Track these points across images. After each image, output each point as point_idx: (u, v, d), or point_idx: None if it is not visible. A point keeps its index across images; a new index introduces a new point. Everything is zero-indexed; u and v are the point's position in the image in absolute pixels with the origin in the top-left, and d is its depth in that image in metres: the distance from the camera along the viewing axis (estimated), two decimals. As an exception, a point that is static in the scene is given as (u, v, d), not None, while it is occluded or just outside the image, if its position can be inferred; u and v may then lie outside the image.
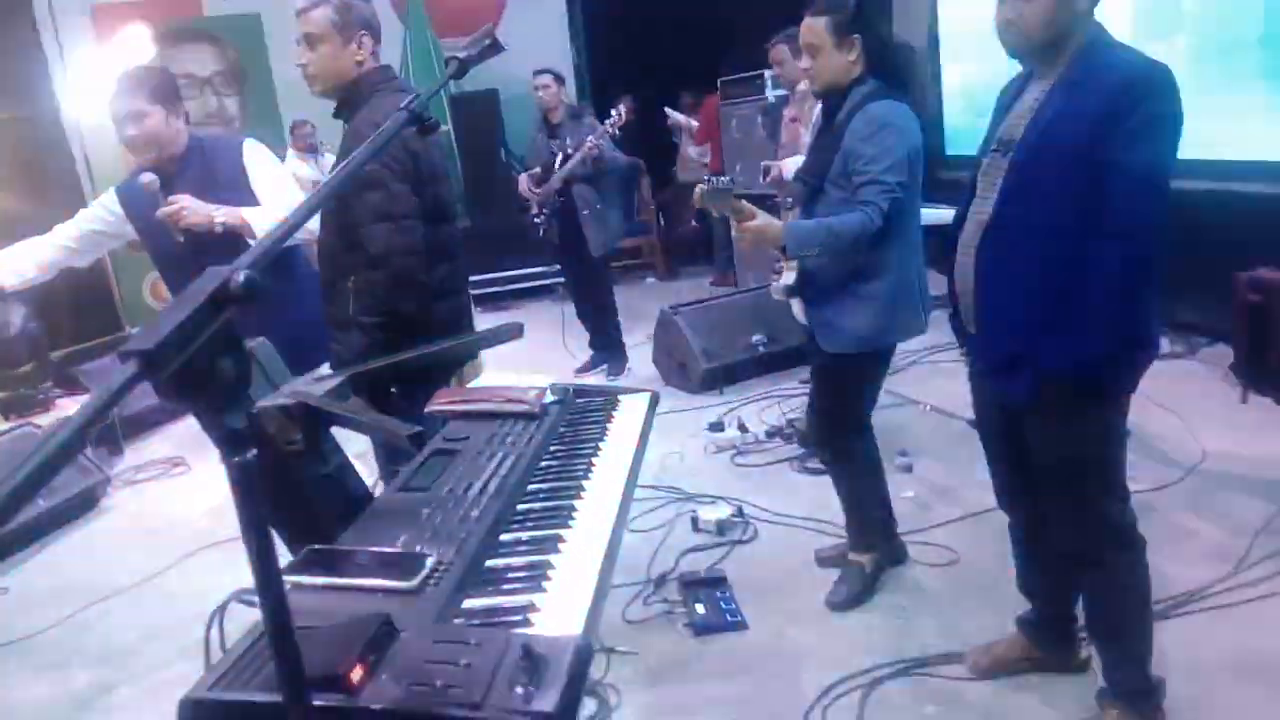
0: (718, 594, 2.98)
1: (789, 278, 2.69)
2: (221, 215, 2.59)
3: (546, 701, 0.86)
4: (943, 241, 2.17)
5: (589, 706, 2.50)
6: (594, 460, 1.47)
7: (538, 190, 5.47)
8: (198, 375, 0.69)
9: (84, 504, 4.35)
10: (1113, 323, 1.77)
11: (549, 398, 1.72)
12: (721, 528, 3.43)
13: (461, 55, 1.21)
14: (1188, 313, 4.54)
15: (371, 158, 1.02)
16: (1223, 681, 2.30)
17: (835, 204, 2.53)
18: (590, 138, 5.14)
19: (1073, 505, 1.99)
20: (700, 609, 2.90)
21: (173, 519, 4.23)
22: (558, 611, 1.02)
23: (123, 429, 5.12)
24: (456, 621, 1.02)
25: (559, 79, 5.50)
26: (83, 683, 2.95)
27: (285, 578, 1.07)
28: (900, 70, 2.54)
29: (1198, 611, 2.60)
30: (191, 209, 2.57)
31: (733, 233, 2.56)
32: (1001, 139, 1.94)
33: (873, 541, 2.94)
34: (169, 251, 2.72)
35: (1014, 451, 2.11)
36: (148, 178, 2.64)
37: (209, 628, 1.06)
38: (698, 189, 2.48)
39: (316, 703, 0.83)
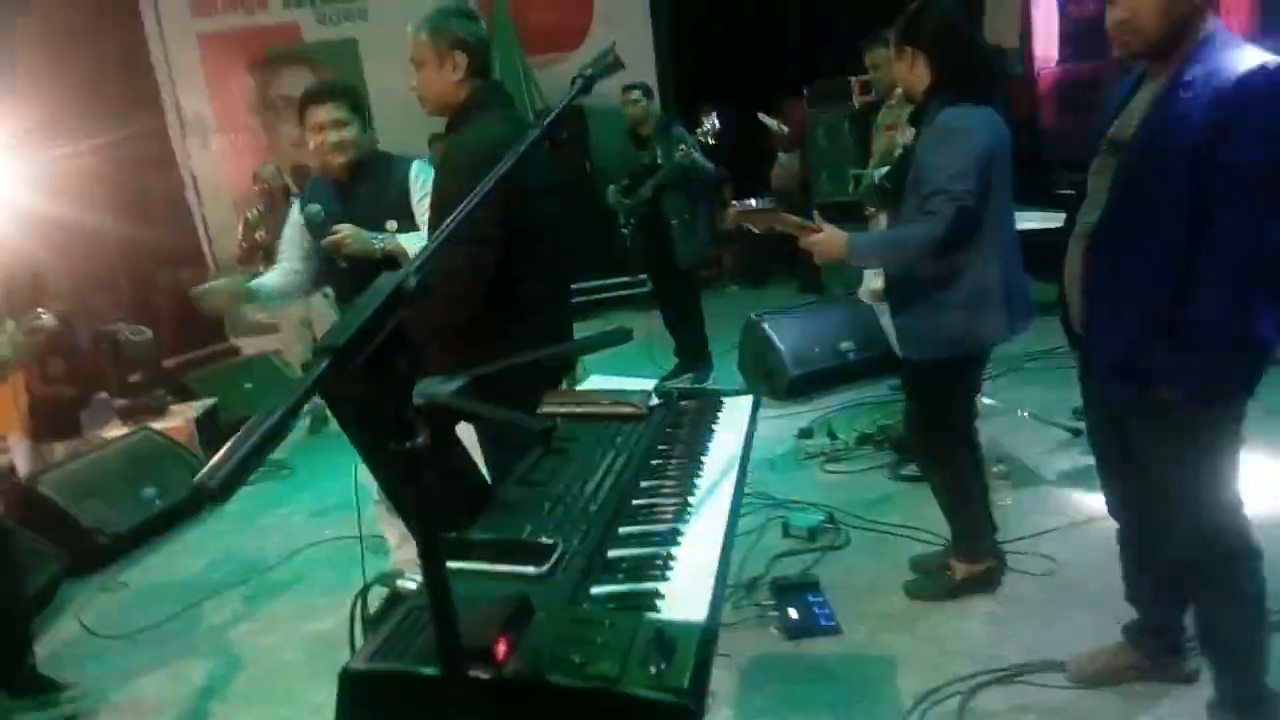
0: (810, 598, 3.00)
1: (877, 281, 2.70)
2: (380, 244, 2.76)
3: (679, 679, 0.91)
4: (1050, 245, 2.16)
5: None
6: (703, 458, 1.52)
7: (627, 200, 5.57)
8: (378, 370, 0.77)
9: (196, 504, 4.57)
10: (1223, 328, 1.75)
11: (654, 400, 1.78)
12: (813, 534, 3.44)
13: (588, 73, 1.28)
14: None
15: (503, 178, 1.09)
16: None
17: (910, 212, 2.54)
18: (682, 146, 5.22)
19: (1185, 515, 1.96)
20: (793, 612, 2.92)
21: (279, 519, 4.44)
22: (682, 598, 1.08)
23: (230, 434, 5.37)
24: (587, 606, 1.08)
25: (648, 93, 5.61)
26: (202, 673, 3.12)
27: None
28: (980, 75, 2.51)
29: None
30: (353, 238, 2.74)
31: (800, 244, 2.58)
32: (1112, 140, 1.93)
33: (975, 551, 2.91)
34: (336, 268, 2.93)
35: (1124, 456, 2.08)
36: (313, 208, 2.84)
37: (353, 608, 1.14)
38: (730, 211, 2.51)
39: (471, 674, 0.90)
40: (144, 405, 5.14)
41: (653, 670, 0.92)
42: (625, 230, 5.68)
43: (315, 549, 3.99)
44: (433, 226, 2.50)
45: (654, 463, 1.53)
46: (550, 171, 2.64)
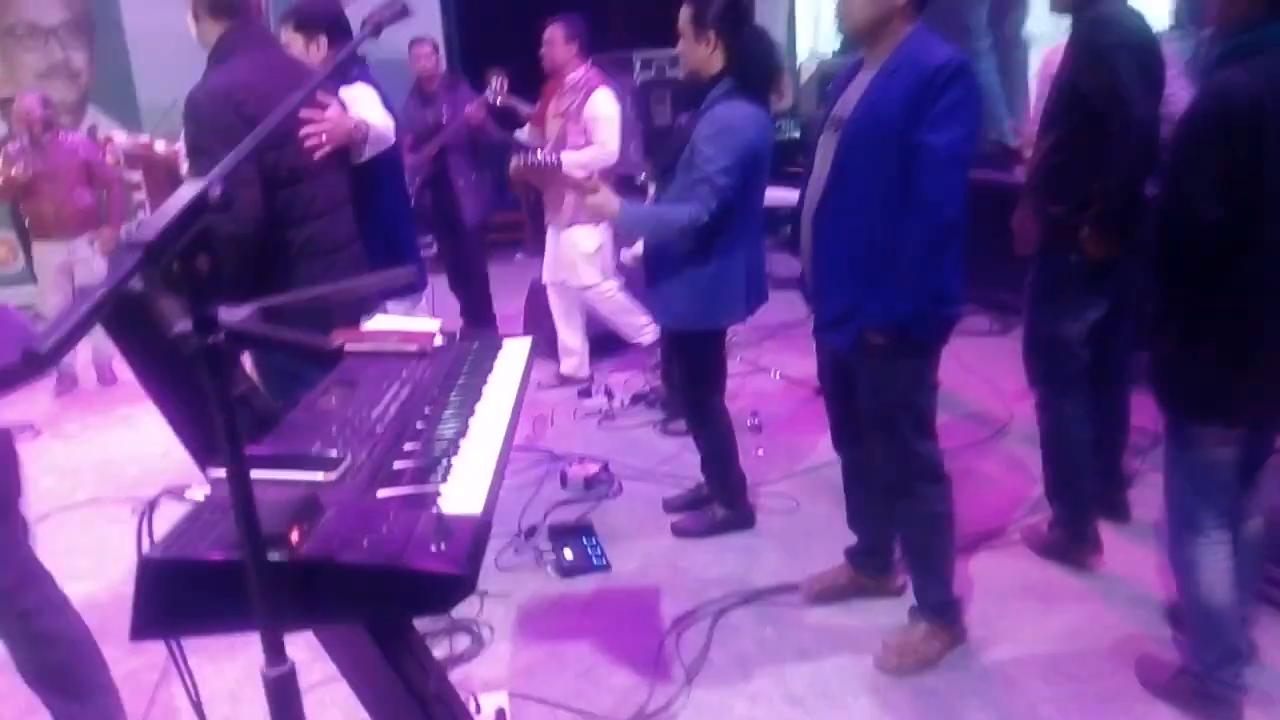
0: (584, 540, 3.21)
1: (638, 248, 2.93)
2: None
3: (458, 553, 1.05)
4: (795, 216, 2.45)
5: (464, 641, 2.69)
6: (483, 389, 1.66)
7: (411, 157, 5.51)
8: (184, 266, 0.85)
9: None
10: (918, 283, 2.09)
11: (439, 340, 1.89)
12: (588, 483, 3.66)
13: (376, 19, 1.35)
14: (1005, 293, 5.06)
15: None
16: (1012, 601, 2.71)
17: (678, 189, 2.77)
18: (470, 106, 5.24)
19: (890, 442, 2.33)
20: (568, 554, 3.12)
21: (46, 476, 4.13)
22: (461, 497, 1.21)
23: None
24: (374, 505, 1.20)
25: (436, 48, 5.57)
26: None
27: (213, 474, 1.23)
28: (763, 71, 2.77)
29: (994, 547, 3.02)
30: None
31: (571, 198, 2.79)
32: (834, 118, 2.23)
33: (731, 496, 3.24)
34: None
35: (845, 397, 2.43)
36: None
37: (140, 521, 1.19)
38: (515, 162, 2.67)
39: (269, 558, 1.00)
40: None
41: (434, 548, 1.06)
42: (410, 189, 5.62)
43: (65, 514, 3.75)
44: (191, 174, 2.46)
45: (438, 392, 1.65)
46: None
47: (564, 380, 4.78)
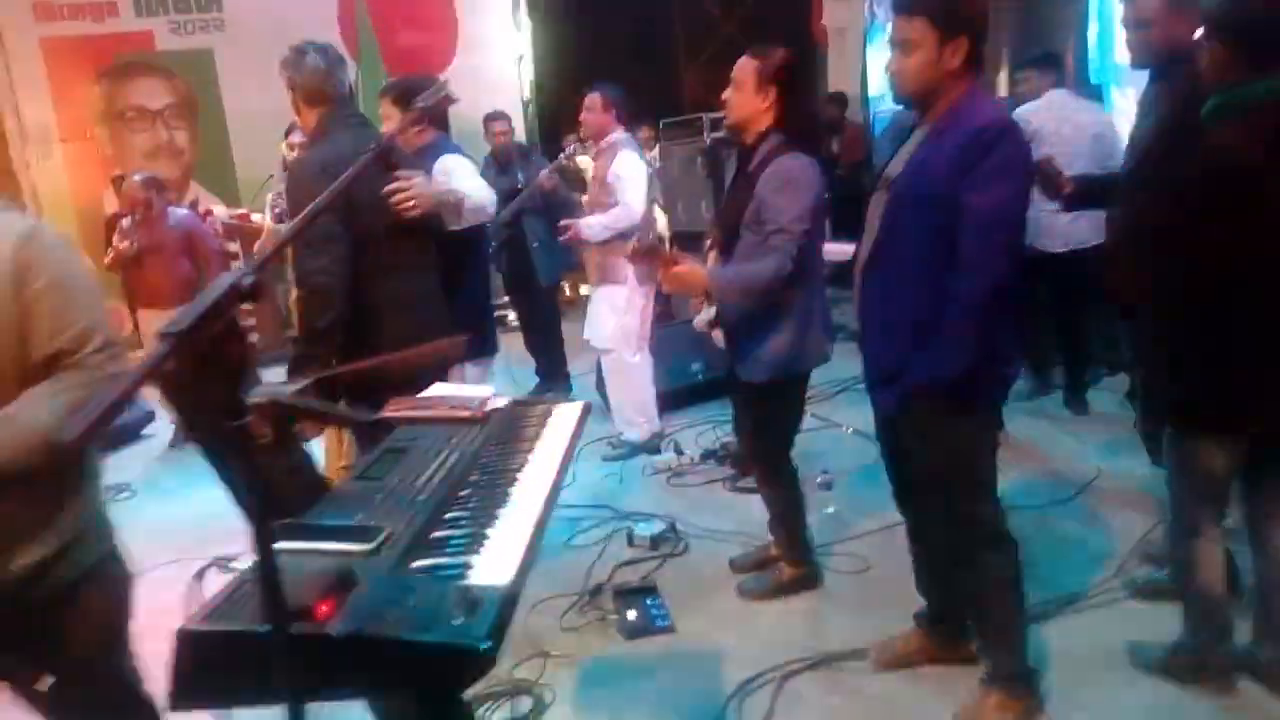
0: (648, 601, 3.19)
1: (709, 312, 2.96)
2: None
3: (480, 627, 1.07)
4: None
5: (525, 703, 2.69)
6: (529, 455, 1.68)
7: (489, 223, 5.69)
8: (215, 355, 0.90)
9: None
10: (968, 343, 2.05)
11: (491, 405, 1.93)
12: (655, 542, 3.65)
13: (419, 104, 1.43)
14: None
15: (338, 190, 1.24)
16: (1093, 670, 2.58)
17: (748, 247, 2.80)
18: (544, 172, 5.41)
19: (946, 507, 2.26)
20: (631, 615, 3.10)
21: (141, 538, 4.31)
22: (491, 568, 1.23)
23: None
24: (406, 577, 1.22)
25: (510, 124, 5.83)
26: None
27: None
28: (811, 125, 2.82)
29: (1079, 611, 2.88)
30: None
31: (659, 276, 2.85)
32: (885, 177, 2.22)
33: (797, 557, 3.18)
34: None
35: (900, 457, 2.38)
36: None
37: (189, 590, 1.24)
38: (631, 247, 2.77)
39: (293, 630, 1.03)
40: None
41: (457, 622, 1.08)
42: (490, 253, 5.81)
43: (158, 570, 3.91)
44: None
45: (484, 460, 1.68)
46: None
47: (629, 449, 4.71)
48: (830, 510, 3.79)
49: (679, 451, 4.54)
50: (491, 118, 5.68)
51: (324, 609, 1.08)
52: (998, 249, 2.03)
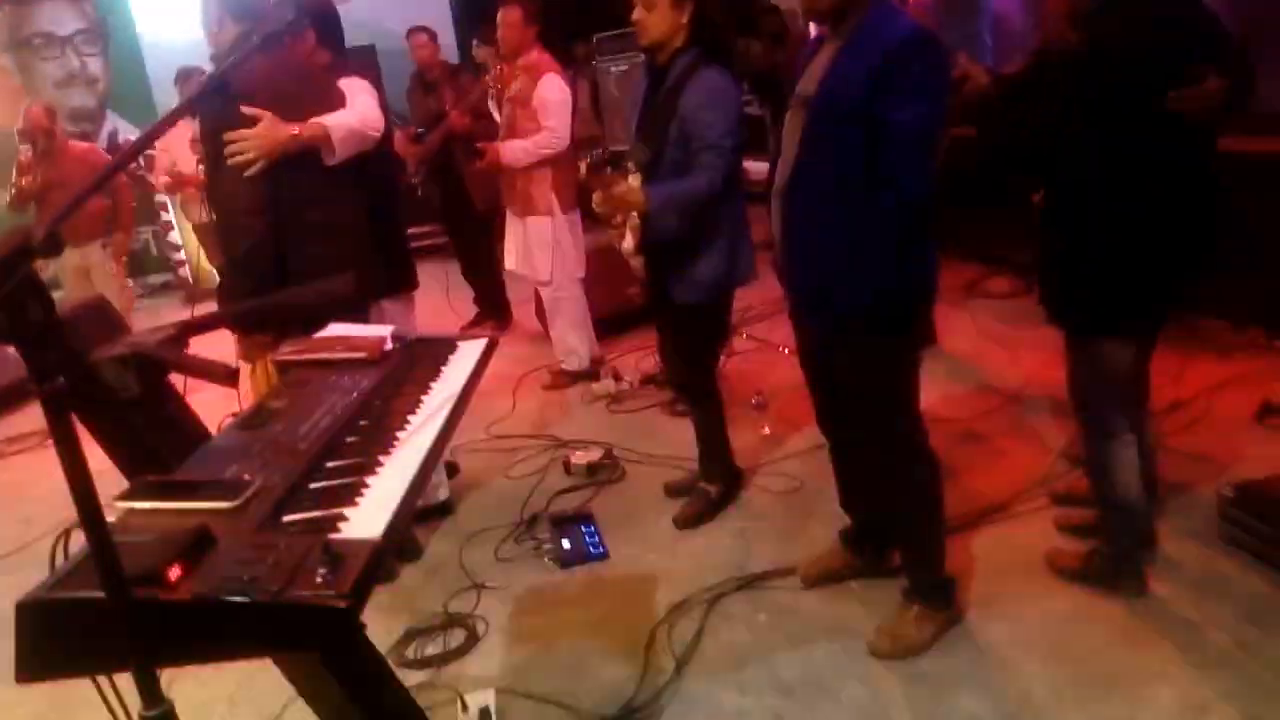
0: (584, 529, 3.20)
1: (631, 238, 2.88)
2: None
3: (341, 585, 1.03)
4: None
5: (458, 636, 2.70)
6: (422, 397, 1.64)
7: (415, 148, 5.50)
8: (12, 315, 0.83)
9: None
10: (891, 260, 2.02)
11: (389, 345, 1.87)
12: (592, 470, 3.64)
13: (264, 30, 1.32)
14: (1025, 253, 4.91)
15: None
16: (1013, 579, 2.64)
17: (673, 166, 2.73)
18: (454, 110, 5.22)
19: (871, 425, 2.26)
20: (566, 544, 3.10)
21: (48, 490, 4.21)
22: (364, 521, 1.19)
23: (-7, 401, 5.02)
24: (273, 537, 1.18)
25: (434, 36, 5.54)
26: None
27: (119, 504, 1.22)
28: (728, 40, 2.73)
29: (1001, 521, 2.94)
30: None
31: (593, 198, 2.78)
32: (799, 95, 2.15)
33: (719, 471, 3.20)
34: None
35: (825, 378, 2.36)
36: None
37: (53, 550, 1.19)
38: (583, 168, 2.69)
39: (139, 597, 0.98)
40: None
41: (318, 579, 1.04)
42: (415, 180, 5.63)
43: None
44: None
45: (375, 403, 1.63)
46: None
47: (570, 378, 4.67)
48: (765, 431, 3.80)
49: (617, 378, 4.51)
50: (413, 31, 5.44)
51: (174, 573, 1.03)
52: (919, 165, 1.98)
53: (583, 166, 2.73)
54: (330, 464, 1.37)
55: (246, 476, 1.29)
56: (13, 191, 5.24)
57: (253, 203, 2.48)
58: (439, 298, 5.91)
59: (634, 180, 2.86)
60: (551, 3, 4.34)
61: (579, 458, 3.70)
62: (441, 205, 5.71)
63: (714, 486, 3.20)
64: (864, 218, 2.02)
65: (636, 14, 2.72)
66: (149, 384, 1.39)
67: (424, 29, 5.49)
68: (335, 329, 1.98)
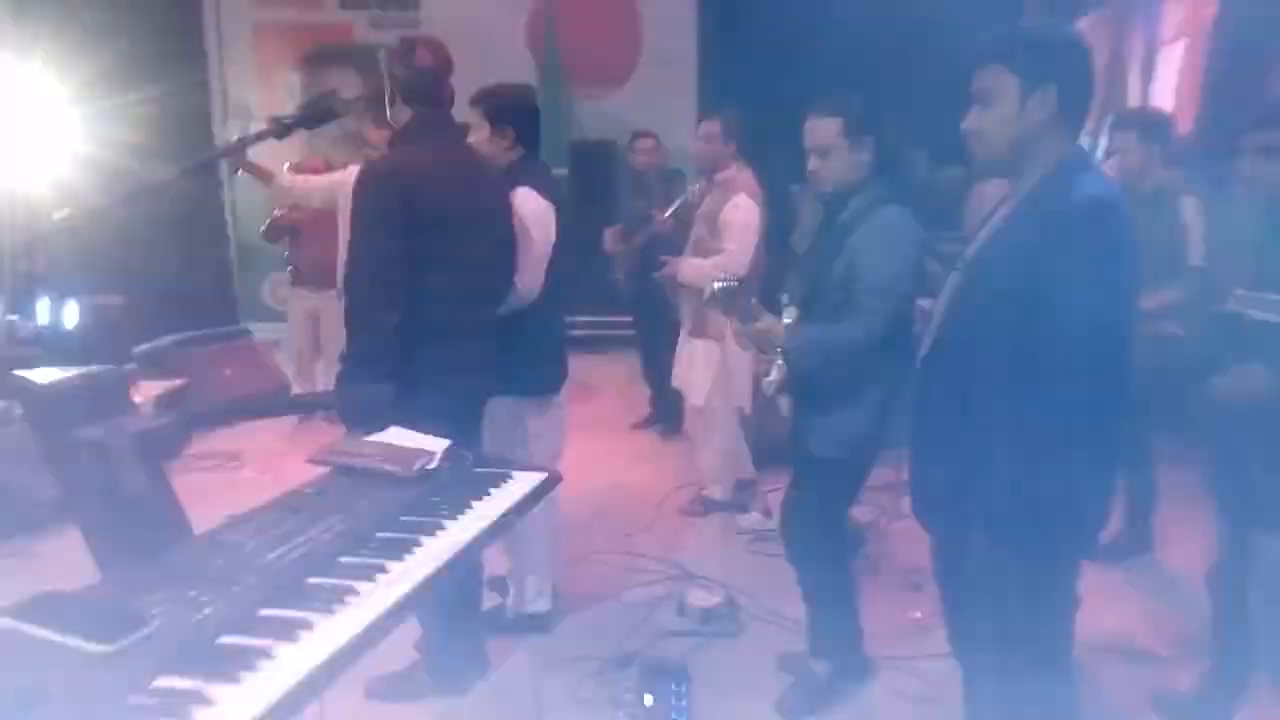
0: (674, 688, 2.83)
1: (776, 373, 2.59)
2: None
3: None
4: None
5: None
6: (422, 539, 1.41)
7: (621, 246, 5.54)
8: None
9: None
10: (1040, 474, 1.59)
11: (435, 463, 1.67)
12: (707, 616, 3.29)
13: (287, 119, 1.19)
14: None
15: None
16: None
17: (836, 305, 2.44)
18: (660, 215, 5.17)
19: (1009, 680, 1.78)
20: (649, 700, 2.75)
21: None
22: (231, 711, 0.96)
23: (194, 420, 5.37)
24: (134, 701, 0.97)
25: (658, 143, 5.59)
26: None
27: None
28: (911, 174, 2.42)
29: None
30: None
31: (735, 330, 2.54)
32: (965, 256, 1.79)
33: (835, 648, 2.76)
34: None
35: (958, 598, 1.92)
36: None
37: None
38: (710, 290, 2.49)
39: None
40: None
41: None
42: (617, 276, 5.65)
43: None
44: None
45: (377, 535, 1.42)
46: (466, 197, 2.60)
47: (712, 505, 4.33)
48: (917, 616, 3.28)
49: (767, 513, 4.13)
50: (636, 136, 5.50)
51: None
52: (1092, 361, 1.56)
53: (709, 291, 2.48)
54: (263, 612, 1.17)
55: (153, 612, 1.10)
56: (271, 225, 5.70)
57: (389, 298, 2.40)
58: (617, 389, 5.84)
59: (788, 315, 2.58)
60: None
61: (696, 599, 3.35)
62: (634, 301, 5.64)
63: (825, 665, 2.76)
64: (1018, 409, 1.61)
65: (811, 165, 2.48)
66: (129, 464, 1.25)
67: (648, 134, 5.54)
68: (396, 434, 1.81)
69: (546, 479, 1.73)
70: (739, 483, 4.36)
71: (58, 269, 6.10)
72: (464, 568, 1.40)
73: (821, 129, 2.43)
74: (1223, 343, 2.17)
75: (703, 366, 4.09)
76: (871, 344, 2.36)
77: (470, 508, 1.54)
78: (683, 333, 4.28)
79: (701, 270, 3.96)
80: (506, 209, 2.77)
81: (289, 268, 5.83)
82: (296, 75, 8.19)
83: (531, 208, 2.81)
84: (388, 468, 1.62)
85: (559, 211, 2.97)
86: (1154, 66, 5.82)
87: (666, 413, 5.64)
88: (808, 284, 2.54)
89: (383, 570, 1.29)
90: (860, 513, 3.74)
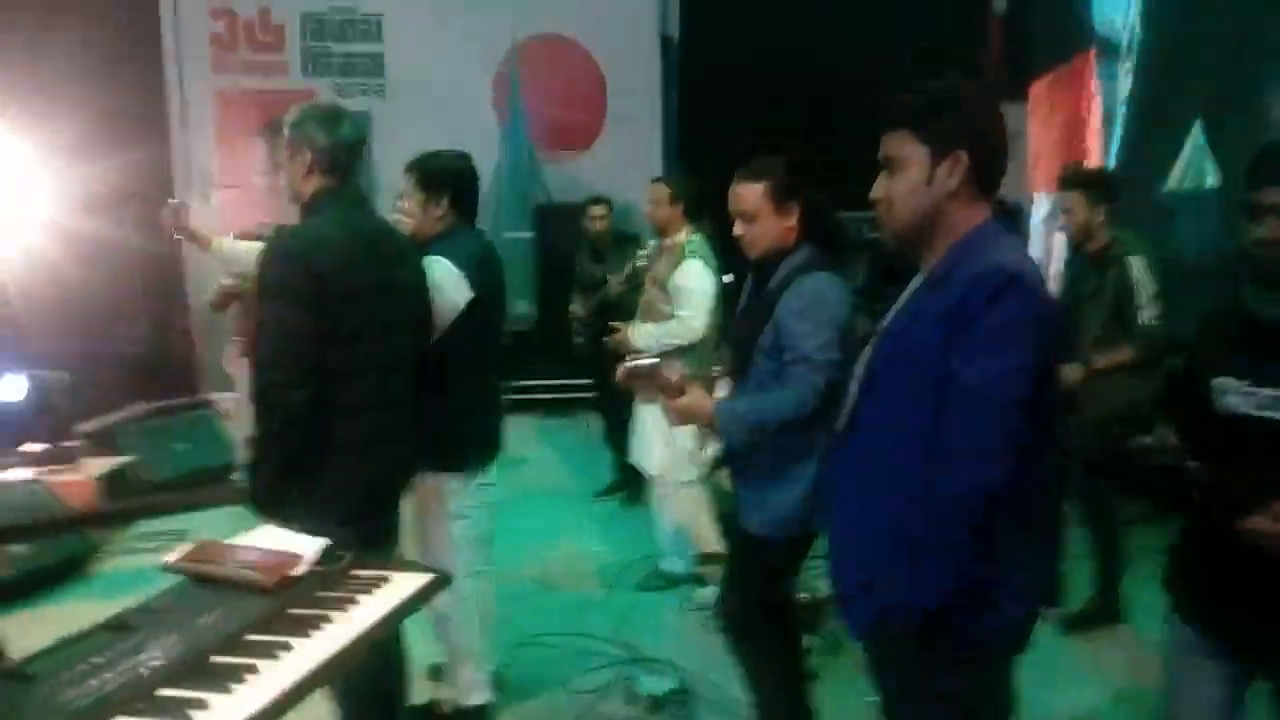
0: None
1: (714, 448, 2.47)
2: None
3: None
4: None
5: None
6: (259, 668, 1.25)
7: (580, 310, 5.51)
8: None
9: (69, 568, 4.37)
10: (946, 563, 1.46)
11: (301, 569, 1.52)
12: (657, 703, 3.11)
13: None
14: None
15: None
16: None
17: (766, 375, 2.34)
18: (614, 280, 5.12)
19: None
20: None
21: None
22: None
23: (142, 496, 5.20)
24: None
25: (610, 210, 5.59)
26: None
27: None
28: (840, 238, 2.34)
29: None
30: None
31: (659, 405, 2.42)
32: (881, 327, 1.68)
33: None
34: None
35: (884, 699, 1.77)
36: None
37: None
38: (621, 369, 2.35)
39: None
40: (51, 454, 4.97)
41: None
42: (579, 340, 5.58)
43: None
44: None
45: (214, 659, 1.27)
46: (386, 271, 2.49)
47: (668, 580, 4.17)
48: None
49: (726, 588, 3.96)
50: (591, 202, 5.57)
51: None
52: (987, 438, 1.44)
53: (620, 370, 2.38)
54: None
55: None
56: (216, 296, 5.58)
57: (297, 375, 2.27)
58: (585, 454, 5.71)
59: (722, 389, 2.47)
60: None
61: (648, 683, 3.17)
62: (593, 365, 5.55)
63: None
64: (927, 493, 1.49)
65: (737, 229, 2.40)
66: None
67: (601, 200, 5.58)
68: (269, 534, 1.66)
69: (432, 581, 1.58)
70: (701, 556, 4.19)
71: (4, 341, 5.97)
72: (332, 679, 1.23)
73: (746, 194, 2.36)
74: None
75: (656, 435, 3.95)
76: (802, 417, 2.24)
77: (330, 621, 1.39)
78: (635, 400, 4.15)
79: (653, 335, 3.86)
80: (420, 278, 2.66)
81: (234, 338, 5.70)
82: (259, 141, 8.16)
83: (435, 273, 2.70)
84: (246, 576, 1.47)
85: (488, 276, 2.85)
86: (1114, 124, 5.84)
87: (630, 479, 5.49)
88: (740, 354, 2.43)
89: (203, 707, 1.14)
90: (821, 586, 3.59)
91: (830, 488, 1.74)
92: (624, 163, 7.99)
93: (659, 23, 8.48)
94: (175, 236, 3.64)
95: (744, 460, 2.46)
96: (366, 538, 2.56)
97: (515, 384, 7.90)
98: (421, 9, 8.06)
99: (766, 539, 2.43)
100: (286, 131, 2.51)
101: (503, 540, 3.23)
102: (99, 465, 5.17)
